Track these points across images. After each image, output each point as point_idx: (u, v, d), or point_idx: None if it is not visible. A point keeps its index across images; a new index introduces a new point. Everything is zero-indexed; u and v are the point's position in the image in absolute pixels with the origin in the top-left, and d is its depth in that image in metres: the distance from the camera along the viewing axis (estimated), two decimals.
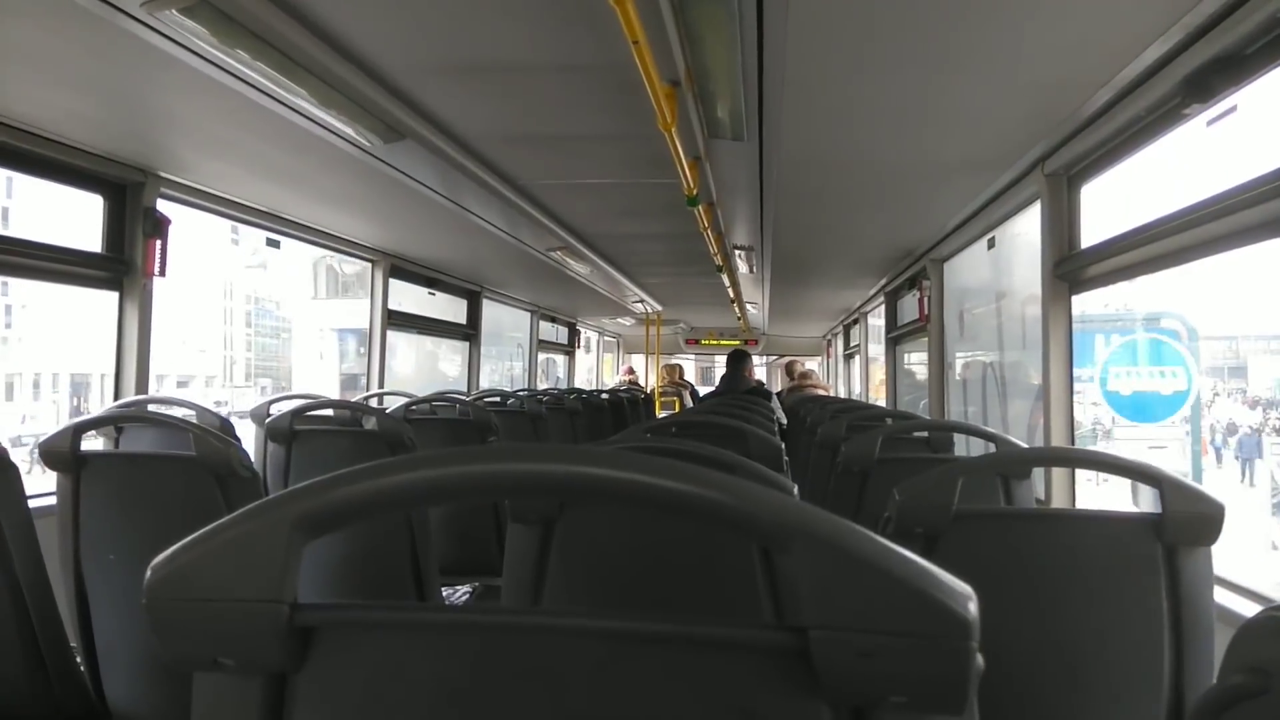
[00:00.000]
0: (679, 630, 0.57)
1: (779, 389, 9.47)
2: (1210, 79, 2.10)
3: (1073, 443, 3.19)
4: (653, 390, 10.82)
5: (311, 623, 0.59)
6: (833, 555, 0.53)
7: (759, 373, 13.07)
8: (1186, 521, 1.44)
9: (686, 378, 12.45)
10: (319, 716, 0.60)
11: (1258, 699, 0.65)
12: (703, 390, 11.36)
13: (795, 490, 1.49)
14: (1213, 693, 0.69)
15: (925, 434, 3.00)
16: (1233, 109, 2.18)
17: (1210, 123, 2.27)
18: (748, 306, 9.45)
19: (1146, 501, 1.65)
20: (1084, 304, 3.25)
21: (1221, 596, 1.95)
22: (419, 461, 0.58)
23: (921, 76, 2.46)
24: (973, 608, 0.52)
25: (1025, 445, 2.57)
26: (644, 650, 0.58)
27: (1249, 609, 2.05)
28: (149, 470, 2.21)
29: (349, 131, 2.93)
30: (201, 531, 0.58)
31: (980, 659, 0.52)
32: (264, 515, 0.58)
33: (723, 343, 13.08)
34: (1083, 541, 1.52)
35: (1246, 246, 2.25)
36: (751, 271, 6.53)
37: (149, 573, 0.57)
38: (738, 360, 6.95)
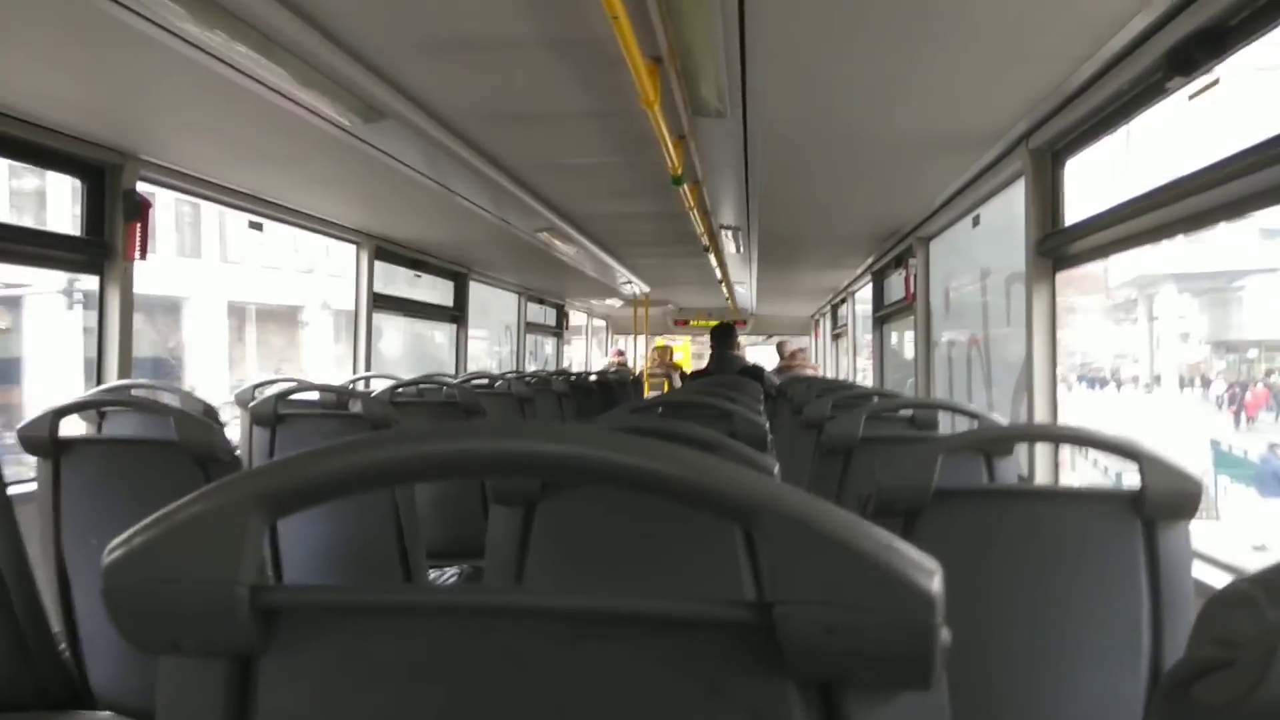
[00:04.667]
0: (643, 609, 0.57)
1: (769, 369, 9.47)
2: (1192, 51, 2.10)
3: (1055, 419, 3.20)
4: (641, 372, 10.82)
5: (273, 604, 0.59)
6: (796, 530, 0.53)
7: (755, 353, 13.10)
8: (1165, 496, 1.45)
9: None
10: (284, 698, 0.60)
11: (1226, 670, 0.65)
12: None
13: (776, 468, 1.49)
14: (1182, 665, 0.70)
15: (910, 412, 3.01)
16: (1215, 82, 2.18)
17: (1192, 96, 2.27)
18: (736, 286, 9.44)
19: None
20: None
21: (1200, 570, 1.97)
22: (379, 441, 0.57)
23: (904, 51, 2.45)
24: (937, 582, 0.52)
25: (1007, 422, 2.58)
26: (610, 630, 0.57)
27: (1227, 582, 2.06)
28: (130, 455, 2.20)
29: (329, 111, 2.90)
30: (159, 513, 0.57)
31: (946, 633, 0.52)
32: (221, 494, 0.57)
33: (711, 323, 13.04)
34: (1062, 517, 1.53)
35: (1231, 220, 2.26)
36: (739, 251, 6.52)
37: (105, 555, 0.57)
38: (723, 337, 6.67)
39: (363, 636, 0.60)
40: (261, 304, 19.50)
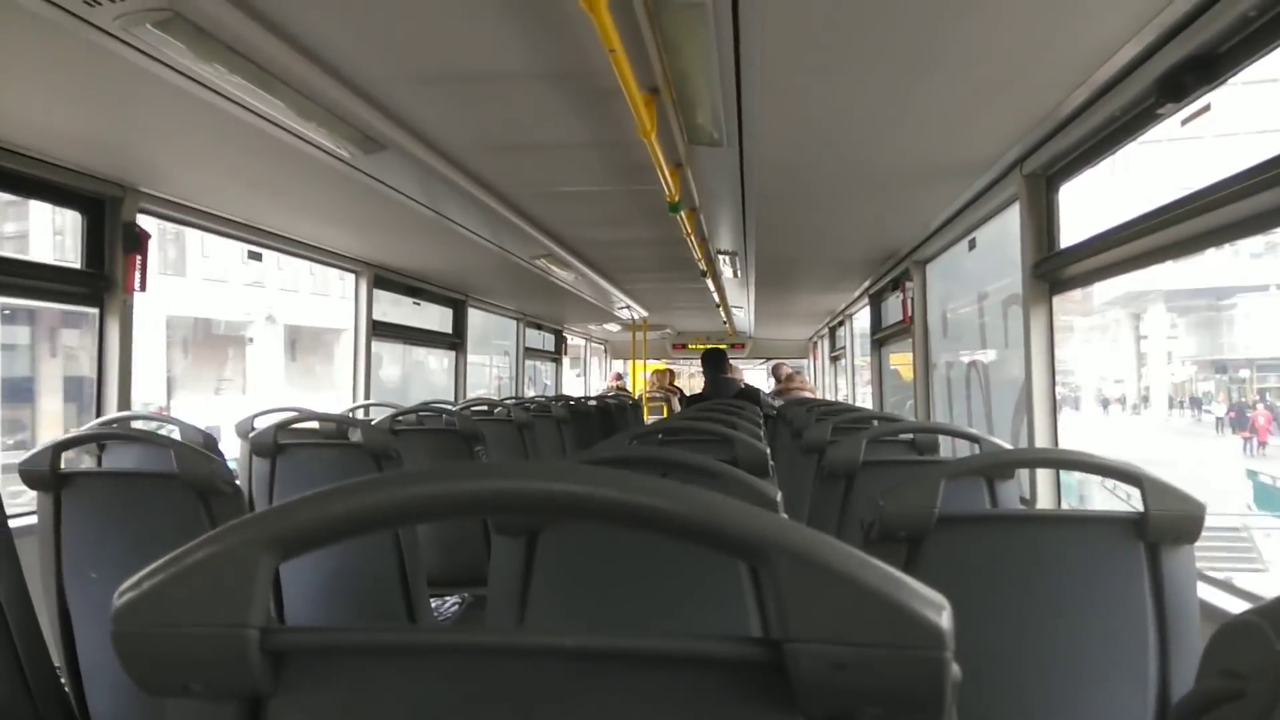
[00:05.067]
0: (651, 646, 0.57)
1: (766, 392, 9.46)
2: (1183, 78, 2.12)
3: (1055, 441, 3.20)
4: (640, 396, 10.81)
5: (282, 646, 0.59)
6: (805, 568, 0.53)
7: (752, 376, 13.08)
8: (1168, 520, 1.46)
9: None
10: None
11: (1235, 702, 0.65)
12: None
13: (779, 496, 1.49)
14: (1191, 696, 0.70)
15: (910, 436, 3.01)
16: (1206, 108, 2.20)
17: (1184, 122, 2.29)
18: (733, 310, 9.46)
19: None
20: None
21: (1205, 592, 1.96)
22: (387, 482, 0.57)
23: (899, 80, 2.47)
24: (946, 617, 0.52)
25: (1009, 445, 2.58)
26: (616, 667, 0.57)
27: (1233, 605, 2.06)
28: (131, 488, 2.19)
29: (328, 143, 2.92)
30: (168, 556, 0.57)
31: (956, 668, 0.52)
32: (231, 538, 0.57)
33: (709, 346, 13.02)
34: (1066, 542, 1.53)
35: (1224, 243, 2.27)
36: (736, 276, 6.54)
37: (115, 599, 0.57)
38: (715, 362, 6.66)
39: (371, 676, 0.60)
40: (204, 319, 18.74)
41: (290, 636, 0.59)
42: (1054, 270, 3.11)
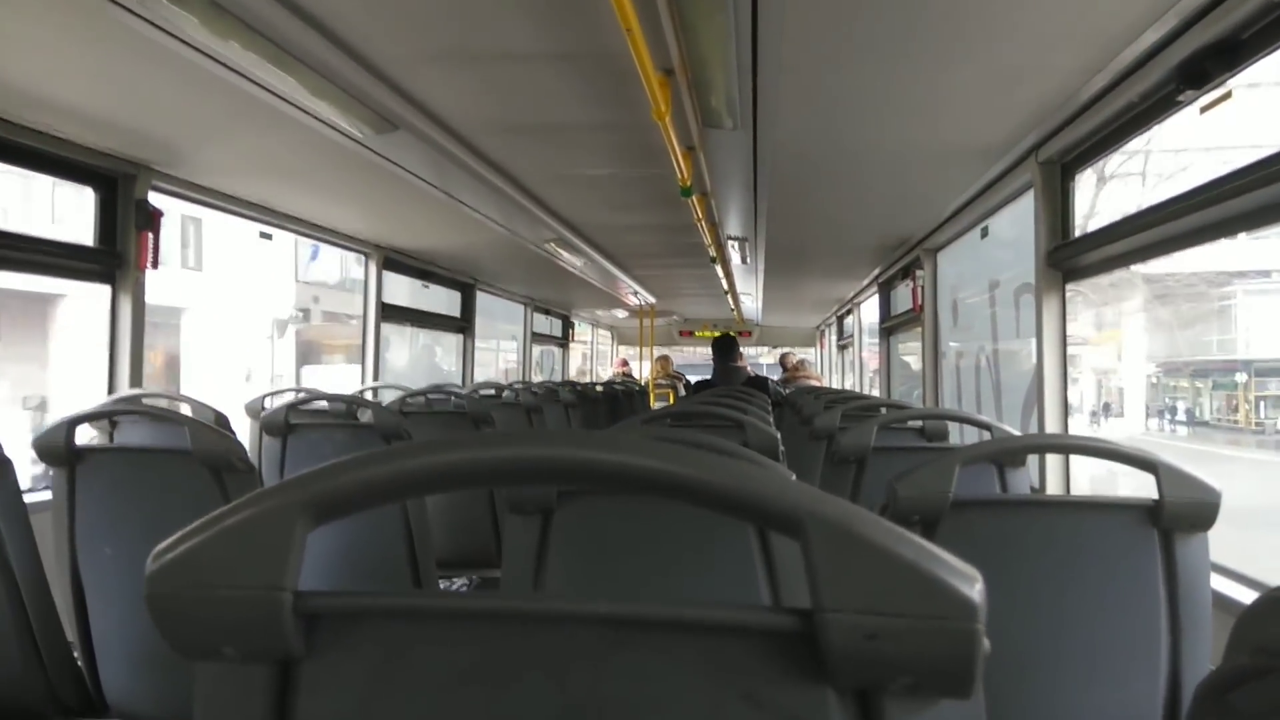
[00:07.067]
0: (682, 615, 0.57)
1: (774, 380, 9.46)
2: (1205, 65, 2.10)
3: (1066, 429, 3.19)
4: (647, 382, 10.82)
5: (315, 610, 0.59)
6: (841, 539, 0.53)
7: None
8: (1182, 507, 1.45)
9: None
10: (323, 703, 0.60)
11: (1263, 679, 0.65)
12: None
13: (793, 478, 1.49)
14: (1218, 673, 0.70)
15: (920, 423, 3.01)
16: (1227, 95, 2.18)
17: (1204, 109, 2.27)
18: (742, 298, 9.45)
19: None
20: None
21: (1218, 582, 1.96)
22: (430, 448, 0.57)
23: (915, 65, 2.46)
24: (978, 589, 0.52)
25: (1019, 433, 2.58)
26: (646, 636, 0.58)
27: (1246, 594, 2.06)
28: (145, 464, 2.20)
29: (341, 122, 2.92)
30: (205, 518, 0.57)
31: (987, 641, 0.52)
32: (269, 501, 0.57)
33: (720, 334, 12.97)
34: (1080, 528, 1.53)
35: (1239, 233, 2.26)
36: (745, 263, 6.52)
37: (150, 561, 0.57)
38: (725, 349, 6.56)
39: (402, 642, 0.60)
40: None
41: (323, 600, 0.59)
42: (1068, 258, 3.10)
